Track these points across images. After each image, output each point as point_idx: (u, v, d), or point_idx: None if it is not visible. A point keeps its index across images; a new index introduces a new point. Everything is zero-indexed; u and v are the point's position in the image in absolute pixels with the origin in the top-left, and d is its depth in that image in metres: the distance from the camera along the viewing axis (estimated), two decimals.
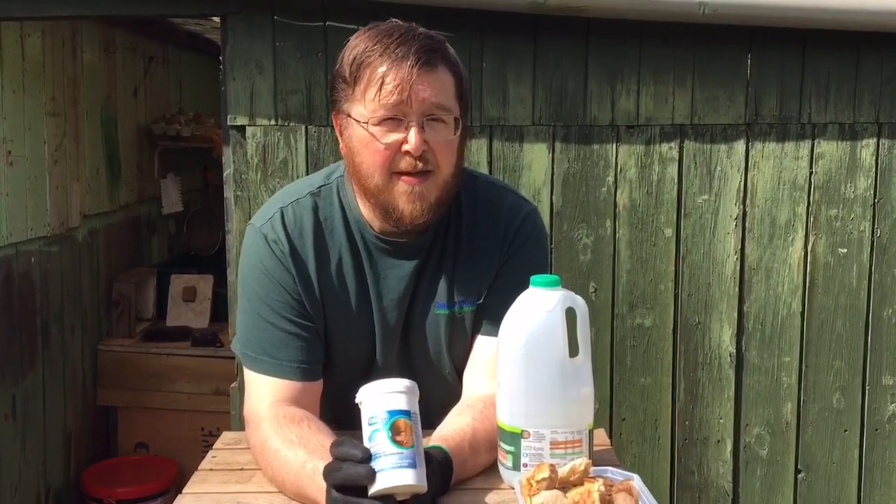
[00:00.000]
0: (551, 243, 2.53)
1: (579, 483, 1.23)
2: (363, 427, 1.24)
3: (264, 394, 1.50)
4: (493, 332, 1.45)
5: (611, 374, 2.62)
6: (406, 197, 1.46)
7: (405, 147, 1.43)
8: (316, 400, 1.55)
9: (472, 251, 1.58)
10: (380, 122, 1.44)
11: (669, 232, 2.59)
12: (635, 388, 2.63)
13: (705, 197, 2.59)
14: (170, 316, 3.98)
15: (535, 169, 2.54)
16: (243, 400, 1.58)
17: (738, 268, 2.61)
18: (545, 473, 1.21)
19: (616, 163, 2.56)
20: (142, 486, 3.46)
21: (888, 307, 2.65)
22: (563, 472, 1.23)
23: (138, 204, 4.27)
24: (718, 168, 2.58)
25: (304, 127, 2.49)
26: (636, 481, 1.24)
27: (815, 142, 2.59)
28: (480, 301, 1.58)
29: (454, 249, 1.58)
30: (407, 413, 1.23)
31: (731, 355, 2.63)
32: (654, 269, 2.60)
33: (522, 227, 1.59)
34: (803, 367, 2.65)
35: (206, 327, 3.89)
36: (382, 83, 1.41)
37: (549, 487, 1.20)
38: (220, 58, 2.55)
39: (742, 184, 2.59)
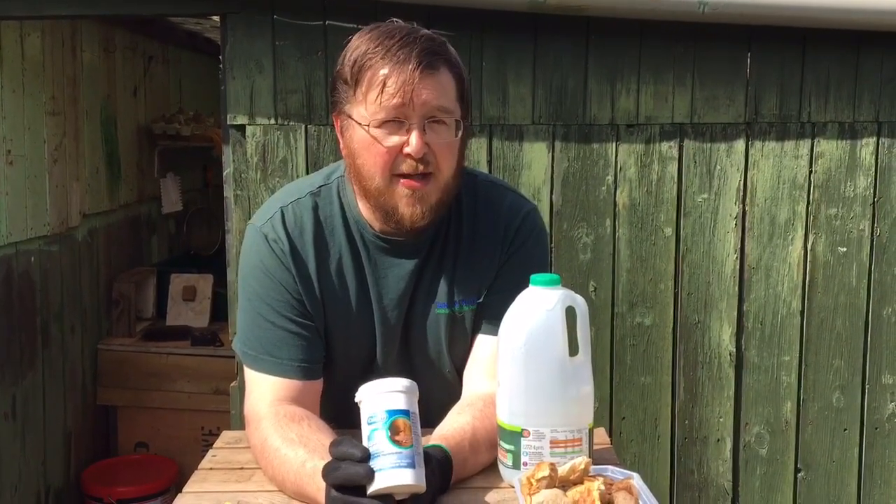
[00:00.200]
0: (551, 242, 2.53)
1: (579, 482, 1.23)
2: (362, 426, 1.24)
3: (265, 393, 1.50)
4: (493, 331, 1.45)
5: (611, 373, 2.62)
6: (406, 200, 1.46)
7: (406, 150, 1.43)
8: (316, 399, 1.55)
9: (472, 250, 1.58)
10: (381, 125, 1.43)
11: (669, 231, 2.59)
12: (635, 386, 2.63)
13: (705, 196, 2.59)
14: (170, 315, 3.98)
15: (535, 168, 2.54)
16: (243, 399, 1.58)
17: (737, 267, 2.61)
18: (545, 472, 1.21)
19: (616, 162, 2.56)
20: (142, 485, 3.47)
21: (888, 306, 2.65)
22: (563, 470, 1.23)
23: (138, 203, 4.27)
24: (718, 167, 2.58)
25: (303, 126, 2.49)
26: (636, 480, 1.24)
27: (815, 141, 2.59)
28: (480, 300, 1.58)
29: (454, 249, 1.58)
30: (406, 413, 1.23)
31: (730, 354, 2.63)
32: (653, 268, 2.60)
33: (522, 226, 1.59)
34: (803, 366, 2.65)
35: (206, 327, 3.89)
36: (384, 86, 1.41)
37: (549, 486, 1.20)
38: (220, 57, 2.55)
39: (742, 183, 2.59)
